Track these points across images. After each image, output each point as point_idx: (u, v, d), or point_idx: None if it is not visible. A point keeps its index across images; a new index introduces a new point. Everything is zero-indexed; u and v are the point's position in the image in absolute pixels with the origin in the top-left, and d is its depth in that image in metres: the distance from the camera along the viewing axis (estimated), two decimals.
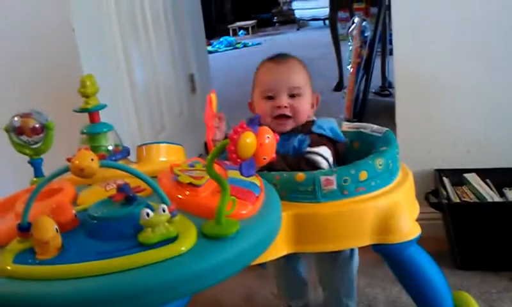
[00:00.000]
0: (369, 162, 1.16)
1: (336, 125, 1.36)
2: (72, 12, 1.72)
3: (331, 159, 1.29)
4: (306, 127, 1.33)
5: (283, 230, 1.06)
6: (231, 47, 8.26)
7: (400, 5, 1.80)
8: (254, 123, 0.78)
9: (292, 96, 1.33)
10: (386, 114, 2.05)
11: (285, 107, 1.31)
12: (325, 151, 1.28)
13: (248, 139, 0.75)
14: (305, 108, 1.34)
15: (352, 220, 1.14)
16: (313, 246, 1.17)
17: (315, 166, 1.25)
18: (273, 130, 1.29)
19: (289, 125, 1.33)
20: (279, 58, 1.37)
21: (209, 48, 7.37)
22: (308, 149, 1.28)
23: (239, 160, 0.76)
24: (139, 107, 2.32)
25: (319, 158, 1.27)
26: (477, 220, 1.71)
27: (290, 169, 1.21)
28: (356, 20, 3.36)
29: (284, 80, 1.32)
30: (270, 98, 1.33)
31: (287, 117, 1.33)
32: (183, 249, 0.77)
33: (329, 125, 1.34)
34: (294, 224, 1.13)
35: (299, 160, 1.27)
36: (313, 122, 1.35)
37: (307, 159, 1.27)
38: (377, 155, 1.18)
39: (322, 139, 1.31)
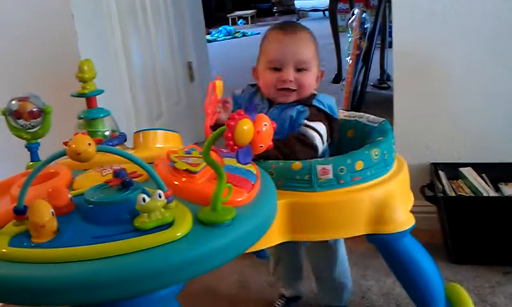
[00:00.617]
0: (365, 152, 1.16)
1: (335, 103, 1.34)
2: None
3: (325, 136, 1.28)
4: (307, 99, 1.31)
5: (278, 218, 1.06)
6: (230, 36, 8.24)
7: None
8: (251, 110, 0.78)
9: (298, 70, 1.30)
10: (384, 107, 2.05)
11: (291, 81, 1.29)
12: (321, 127, 1.27)
13: (245, 126, 0.75)
14: (311, 83, 1.32)
15: (347, 209, 1.15)
16: (308, 235, 1.17)
17: (306, 143, 1.24)
18: (275, 100, 1.29)
19: (292, 98, 1.31)
20: (288, 28, 1.33)
21: (208, 37, 7.34)
22: (305, 122, 1.27)
23: (235, 147, 0.76)
24: (137, 94, 2.32)
25: (314, 133, 1.25)
26: (472, 215, 1.72)
27: (283, 157, 1.20)
28: (356, 11, 3.34)
29: (292, 54, 1.29)
30: (276, 69, 1.30)
31: (292, 90, 1.30)
32: (178, 234, 0.78)
33: (328, 101, 1.32)
34: (290, 212, 1.13)
35: (289, 139, 1.24)
36: (314, 95, 1.33)
37: (300, 135, 1.25)
38: (373, 145, 1.18)
39: (320, 115, 1.29)
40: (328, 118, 1.30)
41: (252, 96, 1.35)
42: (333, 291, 1.52)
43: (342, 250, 1.47)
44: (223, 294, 1.75)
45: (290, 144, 1.23)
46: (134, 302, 0.87)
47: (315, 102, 1.30)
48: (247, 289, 1.76)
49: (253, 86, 1.40)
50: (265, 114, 0.81)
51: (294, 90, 1.30)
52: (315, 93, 1.34)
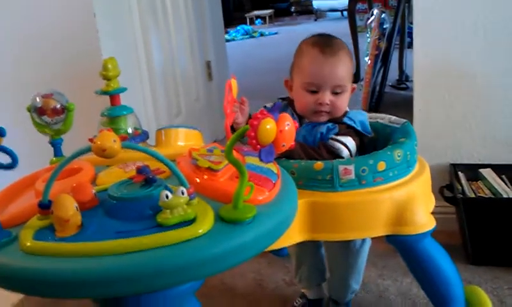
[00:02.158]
0: (387, 153, 1.16)
1: (367, 119, 1.35)
2: None
3: (353, 150, 1.29)
4: (338, 117, 1.32)
5: (299, 217, 1.07)
6: (247, 36, 8.26)
7: None
8: (275, 109, 0.78)
9: (334, 92, 1.30)
10: (403, 108, 2.05)
11: (327, 104, 1.29)
12: (349, 141, 1.28)
13: (268, 126, 0.75)
14: (345, 104, 1.33)
15: (369, 210, 1.15)
16: (328, 235, 1.17)
17: (335, 154, 1.25)
18: (306, 116, 1.30)
19: (325, 118, 1.32)
20: (328, 47, 1.30)
21: (226, 36, 7.36)
22: (333, 136, 1.28)
23: (258, 146, 0.77)
24: (156, 92, 2.33)
25: (341, 146, 1.26)
26: (492, 216, 1.70)
27: (307, 158, 1.21)
28: (375, 11, 3.33)
29: (330, 78, 1.28)
30: (313, 91, 1.30)
31: (326, 112, 1.31)
32: (200, 231, 0.78)
33: (360, 118, 1.33)
34: (311, 212, 1.13)
35: (319, 147, 1.26)
36: (345, 113, 1.34)
37: (328, 145, 1.27)
38: (395, 146, 1.18)
39: (349, 131, 1.30)
40: (358, 134, 1.31)
41: (283, 110, 1.35)
42: (340, 290, 1.52)
43: (363, 259, 1.45)
44: (239, 292, 1.75)
45: (318, 150, 1.25)
46: (154, 296, 0.88)
47: (345, 120, 1.31)
48: (263, 287, 1.76)
49: (283, 99, 1.41)
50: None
51: (328, 112, 1.31)
52: (347, 110, 1.35)
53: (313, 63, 1.30)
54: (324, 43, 1.32)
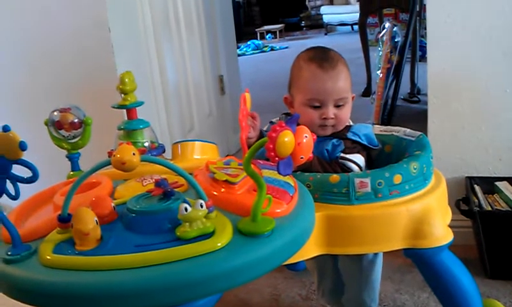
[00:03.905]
0: (404, 166, 1.15)
1: (372, 130, 1.35)
2: (109, 12, 1.76)
3: (363, 166, 1.29)
4: (341, 132, 1.33)
5: (315, 231, 1.06)
6: (258, 51, 8.28)
7: (435, 11, 1.79)
8: (292, 122, 0.78)
9: (337, 105, 1.30)
10: (415, 121, 2.03)
11: (332, 118, 1.30)
12: (359, 158, 1.28)
13: (286, 138, 0.76)
14: (348, 115, 1.33)
15: (385, 223, 1.14)
16: (345, 248, 1.17)
17: (347, 171, 1.24)
18: (313, 133, 1.30)
19: (329, 131, 1.32)
20: (326, 62, 1.30)
21: (236, 51, 7.40)
22: (342, 155, 1.28)
23: (276, 158, 0.77)
24: (170, 107, 2.35)
25: (352, 165, 1.27)
26: (509, 229, 1.68)
27: (323, 171, 1.21)
28: (387, 25, 3.33)
29: (332, 92, 1.29)
30: (315, 107, 1.30)
31: (331, 125, 1.32)
32: (219, 244, 0.78)
33: (364, 131, 1.33)
34: (327, 225, 1.12)
35: (334, 164, 1.27)
36: (348, 128, 1.34)
37: (342, 165, 1.27)
38: (411, 159, 1.18)
39: (356, 146, 1.30)
40: (365, 148, 1.31)
41: None
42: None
43: (377, 274, 1.43)
44: None
45: (333, 165, 1.26)
46: None
47: (349, 135, 1.32)
48: (279, 303, 1.75)
49: (287, 114, 1.41)
50: None
51: (333, 125, 1.32)
52: (350, 124, 1.36)
53: (314, 79, 1.30)
54: (321, 58, 1.32)
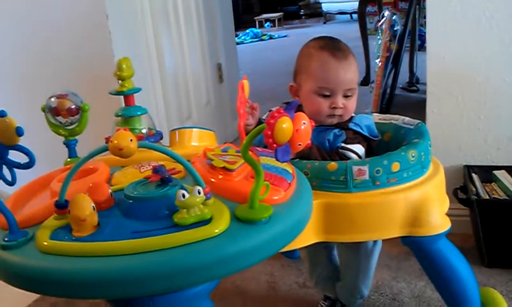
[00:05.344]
0: (402, 154, 1.15)
1: (373, 121, 1.35)
2: None
3: (363, 157, 1.29)
4: (343, 122, 1.32)
5: (312, 218, 1.06)
6: (257, 39, 8.25)
7: (435, 0, 1.78)
8: (291, 108, 0.78)
9: (346, 96, 1.30)
10: (413, 110, 2.02)
11: (341, 108, 1.29)
12: (359, 149, 1.28)
13: (285, 125, 0.75)
14: (354, 107, 1.33)
15: (383, 211, 1.14)
16: (342, 236, 1.17)
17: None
18: (321, 122, 1.29)
19: (336, 120, 1.31)
20: (339, 51, 1.29)
21: (235, 39, 7.37)
22: (343, 145, 1.28)
23: (274, 145, 0.76)
24: (168, 94, 2.34)
25: (352, 155, 1.26)
26: (506, 218, 1.69)
27: (321, 159, 1.21)
28: (387, 13, 3.32)
29: (343, 81, 1.28)
30: (325, 95, 1.29)
31: (339, 115, 1.31)
32: (217, 231, 0.78)
33: (366, 122, 1.32)
34: (324, 213, 1.12)
35: (333, 155, 1.26)
36: (351, 118, 1.33)
37: (341, 155, 1.26)
38: (409, 147, 1.18)
39: (357, 137, 1.30)
40: (365, 139, 1.31)
41: None
42: (349, 293, 1.51)
43: (374, 261, 1.44)
44: (252, 295, 1.75)
45: (332, 155, 1.25)
46: (169, 297, 0.88)
47: (351, 125, 1.31)
48: (276, 290, 1.75)
49: (288, 104, 1.40)
50: None
51: (340, 115, 1.31)
52: (352, 114, 1.35)
53: (326, 67, 1.28)
54: (334, 47, 1.31)
